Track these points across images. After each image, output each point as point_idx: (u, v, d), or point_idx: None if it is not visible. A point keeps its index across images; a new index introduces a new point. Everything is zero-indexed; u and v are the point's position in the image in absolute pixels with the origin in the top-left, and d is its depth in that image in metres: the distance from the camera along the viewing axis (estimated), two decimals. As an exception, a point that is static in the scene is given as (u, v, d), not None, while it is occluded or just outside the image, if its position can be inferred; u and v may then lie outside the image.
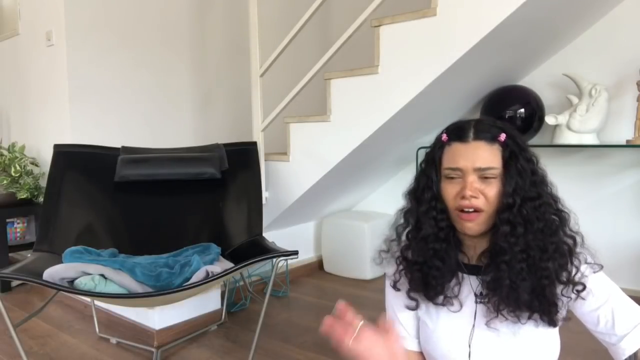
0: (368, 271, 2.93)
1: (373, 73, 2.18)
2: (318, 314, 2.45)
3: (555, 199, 0.92)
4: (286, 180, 2.57)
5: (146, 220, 2.14)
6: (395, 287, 1.02)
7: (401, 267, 1.00)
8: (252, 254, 1.78)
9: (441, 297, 0.96)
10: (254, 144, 2.36)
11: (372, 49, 2.18)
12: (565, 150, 2.64)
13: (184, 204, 2.18)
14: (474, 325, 0.96)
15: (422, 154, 2.36)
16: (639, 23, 2.42)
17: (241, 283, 2.51)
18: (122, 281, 1.67)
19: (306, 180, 2.50)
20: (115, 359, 1.97)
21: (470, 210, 0.88)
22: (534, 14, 1.93)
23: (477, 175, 0.88)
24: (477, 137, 0.90)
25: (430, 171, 0.94)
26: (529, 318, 0.89)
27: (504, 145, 0.89)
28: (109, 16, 2.67)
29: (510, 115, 2.58)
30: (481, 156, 0.88)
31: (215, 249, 1.96)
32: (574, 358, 1.68)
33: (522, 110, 2.58)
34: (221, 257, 1.94)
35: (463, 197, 0.88)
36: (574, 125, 2.41)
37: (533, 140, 2.68)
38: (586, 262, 0.91)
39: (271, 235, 2.49)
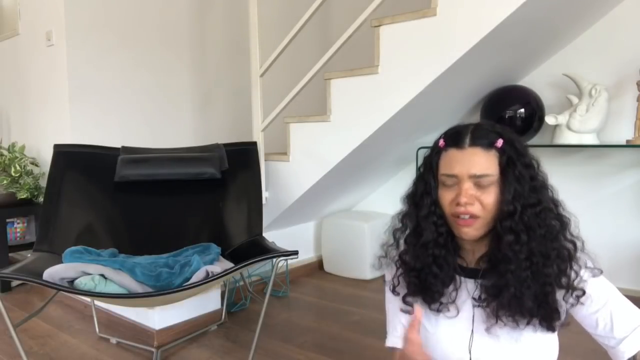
0: (368, 271, 2.93)
1: (373, 73, 2.17)
2: (318, 314, 2.45)
3: (555, 204, 0.91)
4: (286, 180, 2.57)
5: (146, 220, 2.14)
6: (394, 291, 1.03)
7: (399, 271, 1.01)
8: (252, 254, 1.78)
9: (437, 304, 0.96)
10: (254, 144, 2.36)
11: (372, 49, 2.18)
12: (565, 150, 2.64)
13: (184, 204, 2.18)
14: (472, 331, 0.96)
15: (422, 154, 2.36)
16: (639, 23, 2.42)
17: (241, 283, 2.51)
18: (122, 281, 1.67)
19: (306, 180, 2.49)
20: (115, 359, 1.97)
21: (466, 216, 0.88)
22: (534, 14, 1.93)
23: (472, 182, 0.88)
24: (474, 143, 0.89)
25: (428, 176, 0.94)
26: (528, 323, 0.89)
27: (500, 152, 0.89)
28: (109, 16, 2.67)
29: (510, 115, 2.58)
30: (477, 163, 0.88)
31: (215, 249, 1.96)
32: (574, 358, 1.68)
33: (522, 110, 2.58)
34: (221, 257, 1.94)
35: (458, 204, 0.88)
36: (574, 125, 2.41)
37: (533, 141, 2.68)
38: (586, 267, 0.90)
39: (271, 235, 2.49)
